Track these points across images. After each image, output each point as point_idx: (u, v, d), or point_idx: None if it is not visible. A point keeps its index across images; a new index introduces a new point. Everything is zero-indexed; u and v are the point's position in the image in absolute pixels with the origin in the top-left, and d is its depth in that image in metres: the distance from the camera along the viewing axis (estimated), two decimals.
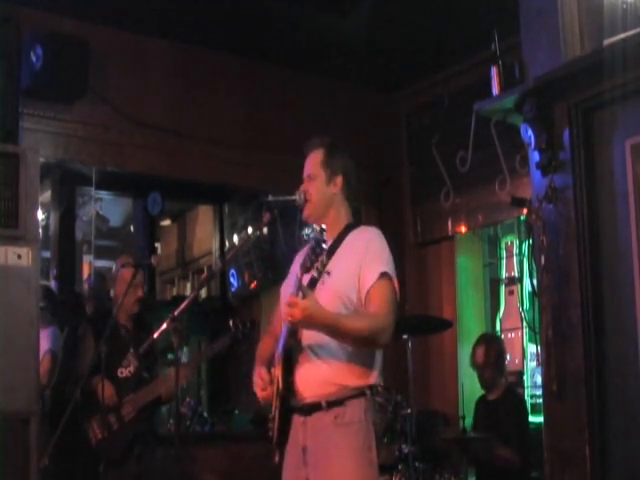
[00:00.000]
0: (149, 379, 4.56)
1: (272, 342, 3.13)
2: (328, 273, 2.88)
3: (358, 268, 2.90)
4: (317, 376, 2.86)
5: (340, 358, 2.86)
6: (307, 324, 2.74)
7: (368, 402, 2.89)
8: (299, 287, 2.74)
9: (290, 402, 2.89)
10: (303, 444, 2.87)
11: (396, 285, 2.94)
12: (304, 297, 2.69)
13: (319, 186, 3.06)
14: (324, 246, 2.75)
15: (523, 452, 4.79)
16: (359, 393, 2.87)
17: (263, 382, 2.95)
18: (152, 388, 4.51)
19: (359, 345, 2.85)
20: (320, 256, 2.74)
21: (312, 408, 2.86)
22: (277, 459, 2.94)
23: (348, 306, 2.89)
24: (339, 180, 3.08)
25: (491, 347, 5.20)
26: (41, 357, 5.43)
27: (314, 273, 2.78)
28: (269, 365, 3.04)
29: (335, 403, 2.84)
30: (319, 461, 2.83)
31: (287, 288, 3.12)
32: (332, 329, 2.76)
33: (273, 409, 2.92)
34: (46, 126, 5.28)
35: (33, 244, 4.23)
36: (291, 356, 2.89)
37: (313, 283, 2.86)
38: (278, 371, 2.88)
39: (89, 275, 6.74)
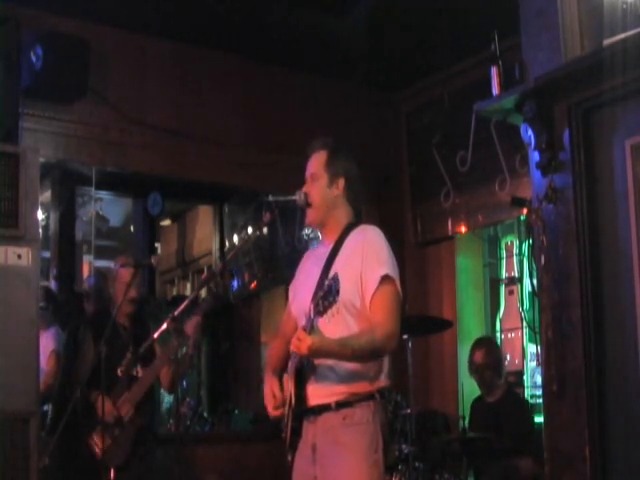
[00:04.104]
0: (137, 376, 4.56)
1: (283, 345, 3.13)
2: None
3: (358, 273, 2.90)
4: (327, 388, 2.89)
5: (350, 368, 2.88)
6: (313, 357, 2.80)
7: (377, 405, 2.91)
8: (309, 322, 2.74)
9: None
10: (313, 442, 2.90)
11: (398, 286, 2.93)
12: (311, 332, 2.71)
13: (321, 188, 3.05)
14: None
15: (536, 454, 4.60)
16: (368, 396, 2.89)
17: (276, 401, 2.97)
18: (143, 380, 4.51)
19: (369, 360, 2.88)
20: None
21: (322, 409, 2.89)
22: (290, 458, 2.97)
23: (353, 313, 2.90)
24: (341, 182, 3.06)
25: (491, 349, 5.23)
26: (47, 358, 5.45)
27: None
28: (280, 372, 3.05)
29: (344, 404, 2.87)
30: (326, 460, 2.86)
31: (297, 287, 3.15)
32: (338, 357, 2.81)
33: (285, 419, 2.95)
34: (46, 126, 5.27)
35: (33, 244, 4.23)
36: (302, 371, 2.91)
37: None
38: (291, 386, 2.91)
39: (89, 275, 6.73)
